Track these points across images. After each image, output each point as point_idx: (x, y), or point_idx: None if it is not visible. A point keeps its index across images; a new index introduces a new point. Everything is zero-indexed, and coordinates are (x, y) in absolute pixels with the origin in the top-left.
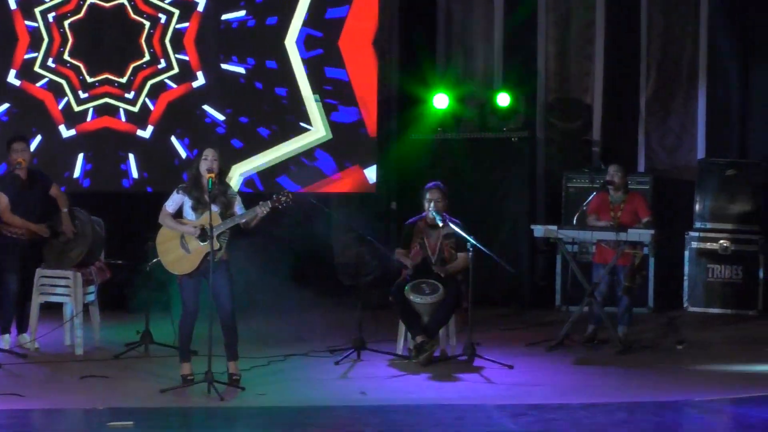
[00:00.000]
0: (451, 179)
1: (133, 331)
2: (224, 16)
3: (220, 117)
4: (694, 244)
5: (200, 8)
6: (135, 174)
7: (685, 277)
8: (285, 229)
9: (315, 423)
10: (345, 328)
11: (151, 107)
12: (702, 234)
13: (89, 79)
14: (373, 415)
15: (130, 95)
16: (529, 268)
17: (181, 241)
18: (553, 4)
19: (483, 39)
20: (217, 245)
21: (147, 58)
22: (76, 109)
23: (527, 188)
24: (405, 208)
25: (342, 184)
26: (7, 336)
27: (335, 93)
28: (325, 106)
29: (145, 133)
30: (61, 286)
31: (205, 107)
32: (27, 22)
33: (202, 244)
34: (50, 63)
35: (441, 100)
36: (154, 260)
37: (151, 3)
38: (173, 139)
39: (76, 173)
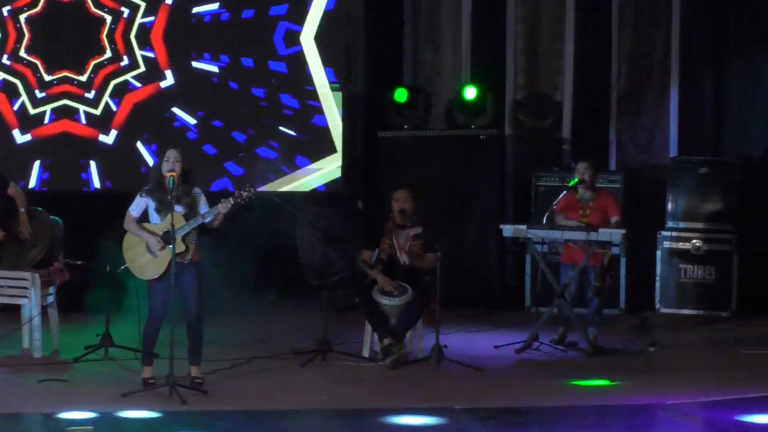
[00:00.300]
0: (419, 177)
1: (92, 334)
2: (195, 9)
3: (191, 120)
4: (667, 244)
5: (168, 0)
6: (97, 183)
7: (657, 278)
8: (249, 229)
9: (279, 427)
10: (310, 329)
11: (115, 109)
12: (674, 233)
13: (47, 77)
14: (339, 419)
15: (91, 95)
16: (498, 269)
17: (147, 245)
18: None
19: (451, 34)
20: (182, 247)
21: (108, 54)
22: (32, 111)
23: (496, 187)
24: (372, 207)
25: (307, 181)
26: None
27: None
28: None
29: (108, 138)
30: (18, 288)
31: (175, 110)
32: None
33: (168, 247)
34: (5, 60)
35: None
36: (123, 266)
37: None
38: (139, 144)
39: (32, 183)
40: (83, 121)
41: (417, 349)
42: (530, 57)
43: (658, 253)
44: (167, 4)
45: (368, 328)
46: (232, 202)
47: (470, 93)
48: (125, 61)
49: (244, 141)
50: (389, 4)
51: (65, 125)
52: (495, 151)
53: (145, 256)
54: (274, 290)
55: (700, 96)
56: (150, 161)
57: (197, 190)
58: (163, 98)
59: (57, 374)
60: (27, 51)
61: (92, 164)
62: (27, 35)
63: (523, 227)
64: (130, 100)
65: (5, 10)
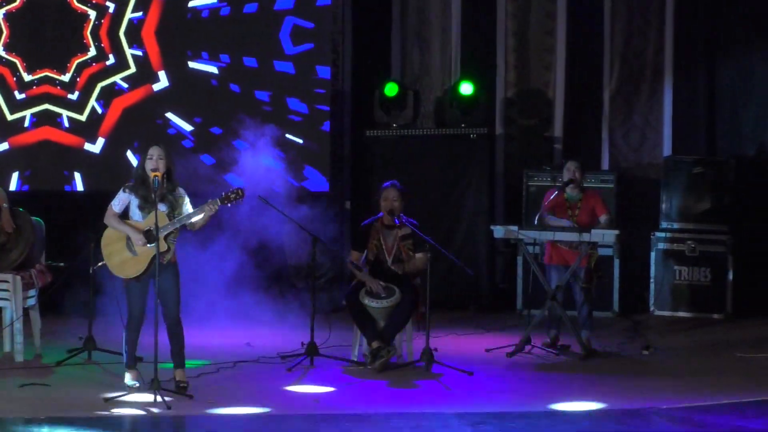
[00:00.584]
0: (407, 177)
1: (75, 337)
2: (192, 3)
3: (187, 127)
4: (661, 245)
5: None
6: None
7: (651, 280)
8: (233, 229)
9: None
10: (297, 333)
11: (101, 112)
12: (668, 234)
13: (27, 77)
14: (327, 423)
15: (74, 96)
16: (489, 270)
17: (127, 242)
18: None
19: (440, 31)
20: (164, 246)
21: (93, 53)
22: (10, 117)
23: (486, 187)
24: (359, 208)
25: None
26: None
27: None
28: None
29: (95, 147)
30: None
31: (169, 115)
32: None
33: (149, 245)
34: None
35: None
36: (100, 263)
37: None
38: (129, 154)
39: (11, 188)
40: (66, 124)
41: (406, 352)
42: (521, 54)
43: (652, 254)
44: None
45: (356, 331)
46: (219, 204)
47: (466, 89)
48: (111, 60)
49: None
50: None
51: (47, 132)
52: (485, 150)
53: (124, 254)
54: (259, 292)
55: (694, 94)
56: None
57: (181, 190)
58: (156, 102)
59: (39, 379)
60: (6, 48)
61: (77, 176)
62: (5, 32)
63: (515, 228)
64: (118, 105)
65: None
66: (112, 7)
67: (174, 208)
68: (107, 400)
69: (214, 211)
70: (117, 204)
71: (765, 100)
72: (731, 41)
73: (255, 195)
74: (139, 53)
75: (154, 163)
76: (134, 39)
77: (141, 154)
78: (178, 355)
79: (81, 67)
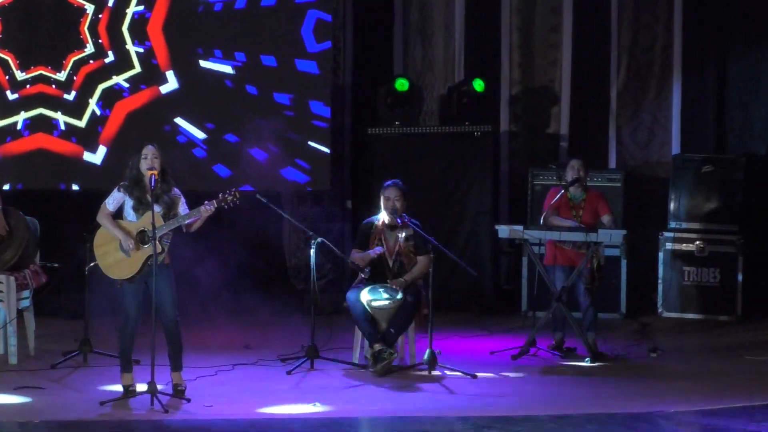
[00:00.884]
0: (409, 176)
1: (70, 339)
2: None
3: (199, 134)
4: (669, 246)
5: None
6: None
7: (659, 281)
8: (232, 230)
9: None
10: (297, 335)
11: (101, 116)
12: (677, 234)
13: (20, 75)
14: (328, 428)
15: (71, 96)
16: (493, 271)
17: (120, 243)
18: None
19: (443, 26)
20: (159, 248)
21: (91, 50)
22: (2, 122)
23: (490, 185)
24: (361, 207)
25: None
26: None
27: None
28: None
29: (95, 157)
30: None
31: (179, 121)
32: None
33: (144, 246)
34: None
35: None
36: (92, 263)
37: None
38: None
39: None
40: (63, 130)
41: (409, 354)
42: (525, 50)
43: (660, 255)
44: None
45: (357, 333)
46: (216, 206)
47: (479, 86)
48: (110, 58)
49: (265, 160)
50: None
51: (41, 140)
52: (489, 149)
53: (117, 254)
54: (258, 294)
55: (703, 91)
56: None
57: (176, 191)
58: (164, 106)
59: (33, 381)
60: None
61: (75, 189)
62: None
63: (520, 228)
64: (121, 109)
65: None
66: (111, 0)
67: (170, 209)
68: (103, 403)
69: (211, 213)
70: (111, 203)
71: None
72: (741, 36)
73: (253, 194)
74: (145, 52)
75: (149, 162)
76: (139, 35)
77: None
78: (176, 357)
79: (78, 64)
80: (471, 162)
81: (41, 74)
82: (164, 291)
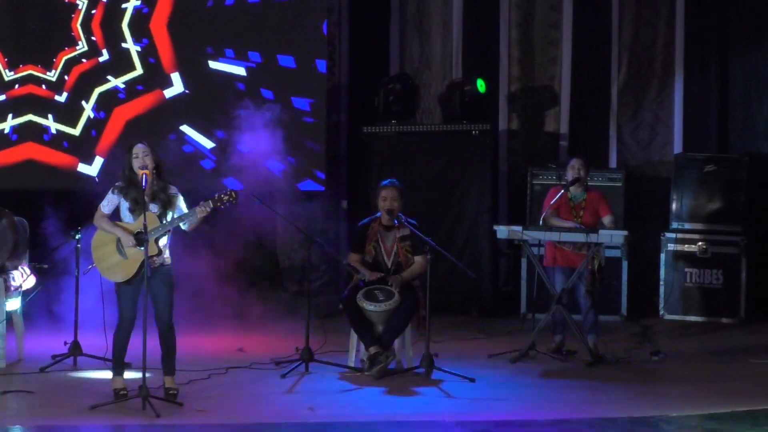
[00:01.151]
0: (407, 175)
1: (60, 342)
2: None
3: (207, 143)
4: (671, 246)
5: None
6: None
7: (661, 282)
8: (224, 231)
9: None
10: (292, 338)
11: (100, 127)
12: (679, 235)
13: (7, 75)
14: None
15: (62, 98)
16: (492, 273)
17: (118, 245)
18: None
19: (440, 22)
20: (155, 249)
21: (84, 48)
22: None
23: (489, 185)
24: (357, 208)
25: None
26: None
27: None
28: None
29: (91, 169)
30: None
31: (185, 129)
32: None
33: (140, 248)
34: None
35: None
36: (90, 266)
37: None
38: None
39: None
40: (55, 140)
41: (405, 358)
42: (525, 47)
43: (662, 256)
44: None
45: (353, 336)
46: (211, 206)
47: (481, 86)
48: (104, 56)
49: (281, 172)
50: None
51: (30, 150)
52: (488, 147)
53: (114, 257)
54: (252, 296)
55: (706, 88)
56: None
57: (174, 189)
58: (168, 112)
59: (23, 385)
60: None
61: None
62: None
63: (519, 228)
64: (120, 115)
65: None
66: None
67: (166, 208)
68: (94, 407)
69: (206, 213)
70: (106, 205)
71: None
72: (745, 33)
73: (249, 194)
74: (147, 51)
75: (141, 160)
76: (140, 33)
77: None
78: (169, 360)
79: (70, 63)
80: (469, 161)
81: (30, 74)
82: (161, 293)
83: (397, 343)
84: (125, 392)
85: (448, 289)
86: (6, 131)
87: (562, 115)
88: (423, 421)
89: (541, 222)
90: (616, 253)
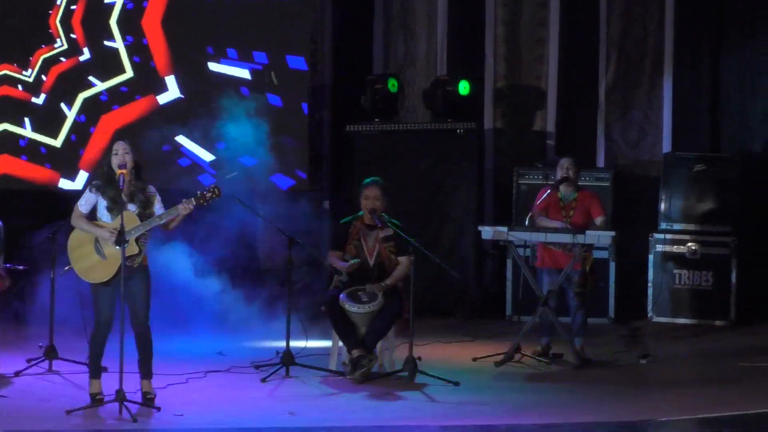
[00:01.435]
0: (390, 175)
1: (35, 345)
2: None
3: (207, 156)
4: (660, 247)
5: None
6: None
7: (650, 284)
8: (204, 231)
9: None
10: (272, 341)
11: (85, 138)
12: (668, 236)
13: None
14: None
15: (40, 100)
16: (477, 274)
17: (96, 245)
18: None
19: (425, 19)
20: (135, 249)
21: (63, 46)
22: None
23: (474, 185)
24: (340, 208)
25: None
26: None
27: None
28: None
29: (75, 184)
30: None
31: (181, 140)
32: None
33: (117, 248)
34: None
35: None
36: (67, 267)
37: None
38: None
39: None
40: (33, 154)
41: (389, 361)
42: (511, 44)
43: (651, 257)
44: None
45: (335, 338)
46: (194, 204)
47: (463, 88)
48: (85, 55)
49: (289, 188)
50: None
51: (5, 163)
52: (473, 146)
53: (92, 257)
54: (233, 298)
55: (696, 86)
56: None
57: (152, 188)
58: (163, 121)
59: None
60: None
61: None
62: None
63: (504, 229)
64: (108, 124)
65: None
66: None
67: (145, 208)
68: (70, 412)
69: (188, 211)
70: (84, 204)
71: None
72: (736, 30)
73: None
74: (139, 51)
75: (120, 158)
76: (131, 31)
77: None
78: (146, 364)
79: (48, 63)
80: (454, 161)
81: (5, 74)
82: (138, 295)
83: (380, 346)
84: (102, 396)
85: (433, 291)
86: None
87: (549, 114)
88: (406, 426)
89: (527, 222)
90: (604, 254)
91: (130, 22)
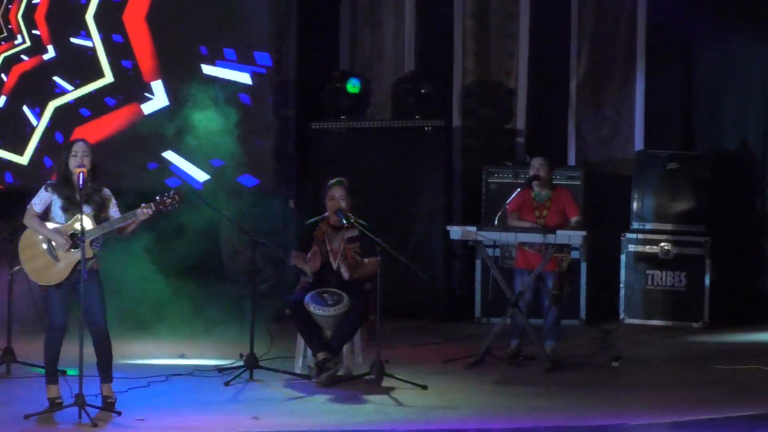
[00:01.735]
0: (357, 174)
1: None
2: None
3: (200, 175)
4: (632, 247)
5: None
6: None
7: (622, 285)
8: (165, 230)
9: None
10: (235, 343)
11: (54, 153)
12: (640, 236)
13: None
14: None
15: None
16: (445, 275)
17: (49, 246)
18: None
19: (393, 13)
20: (90, 252)
21: (25, 43)
22: None
23: (442, 184)
24: (305, 207)
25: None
26: None
27: None
28: None
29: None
30: None
31: (169, 155)
32: None
33: (73, 250)
34: None
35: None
36: (17, 267)
37: None
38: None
39: None
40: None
41: (355, 364)
42: (480, 39)
43: (623, 257)
44: None
45: (300, 341)
46: (153, 209)
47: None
48: (50, 53)
49: (253, 186)
50: None
51: None
52: (441, 144)
53: (44, 258)
54: (195, 299)
55: (669, 82)
56: None
57: (107, 191)
58: (148, 134)
59: None
60: None
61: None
62: None
63: (473, 229)
64: (83, 137)
65: None
66: None
67: (100, 210)
68: (28, 417)
69: (147, 216)
70: (38, 203)
71: (746, 89)
72: (710, 25)
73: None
74: (120, 52)
75: (79, 159)
76: (110, 27)
77: (64, 151)
78: (106, 367)
79: (8, 62)
80: (422, 159)
81: None
82: (93, 298)
83: (346, 348)
84: (60, 401)
85: (400, 293)
86: None
87: (519, 111)
88: (373, 431)
89: (496, 221)
90: (575, 254)
91: (110, 17)
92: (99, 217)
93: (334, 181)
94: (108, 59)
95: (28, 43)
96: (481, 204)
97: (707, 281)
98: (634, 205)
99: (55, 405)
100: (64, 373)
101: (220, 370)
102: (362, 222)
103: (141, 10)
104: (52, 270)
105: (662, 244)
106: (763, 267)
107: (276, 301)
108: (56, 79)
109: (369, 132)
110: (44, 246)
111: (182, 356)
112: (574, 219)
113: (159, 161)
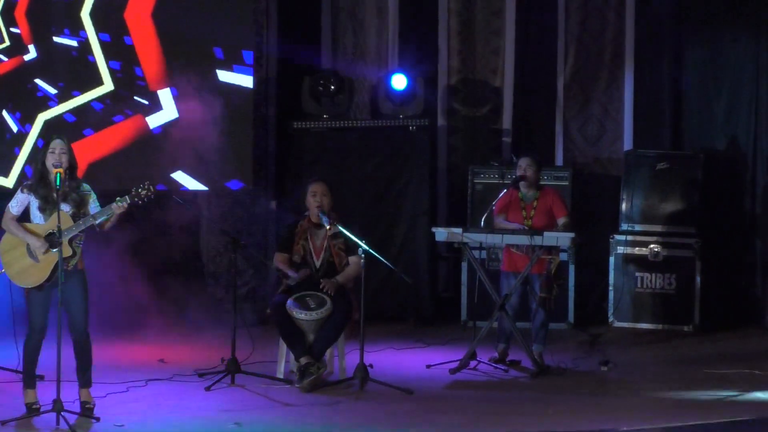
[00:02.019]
0: (340, 174)
1: None
2: None
3: (198, 186)
4: (621, 249)
5: None
6: None
7: (610, 288)
8: (145, 232)
9: None
10: (216, 347)
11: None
12: (629, 237)
13: None
14: None
15: None
16: (430, 278)
17: (28, 248)
18: None
19: (375, 11)
20: (70, 251)
21: (4, 42)
22: None
23: (427, 184)
24: (286, 208)
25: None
26: None
27: None
28: None
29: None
30: None
31: (179, 176)
32: None
33: (53, 251)
34: None
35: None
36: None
37: None
38: None
39: None
40: None
41: (338, 369)
42: (465, 37)
43: (611, 259)
44: None
45: (282, 345)
46: (128, 201)
47: (399, 82)
48: (31, 54)
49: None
50: None
51: None
52: (425, 144)
53: (25, 260)
54: (174, 303)
55: (658, 81)
56: None
57: (86, 186)
58: (155, 151)
59: None
60: None
61: None
62: None
63: (459, 230)
64: (79, 155)
65: None
66: None
67: (79, 207)
68: (4, 423)
69: (124, 209)
70: (15, 206)
71: (737, 88)
72: (700, 22)
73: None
74: (120, 55)
75: (57, 157)
76: (110, 27)
77: (42, 150)
78: (85, 372)
79: None
80: (406, 159)
81: None
82: (75, 299)
83: (329, 352)
84: (38, 406)
85: (384, 296)
86: None
87: (505, 110)
88: None
89: (482, 223)
90: (563, 256)
91: (110, 15)
92: (78, 215)
93: (315, 179)
94: (107, 63)
95: (7, 42)
96: (466, 205)
97: (697, 283)
98: (623, 205)
99: (32, 410)
100: (41, 377)
101: (201, 374)
102: (343, 230)
103: (146, 6)
104: (33, 271)
105: (652, 245)
106: (754, 269)
107: (257, 305)
108: (38, 81)
109: (351, 131)
110: (24, 248)
111: (162, 361)
112: (561, 220)
113: (168, 183)
